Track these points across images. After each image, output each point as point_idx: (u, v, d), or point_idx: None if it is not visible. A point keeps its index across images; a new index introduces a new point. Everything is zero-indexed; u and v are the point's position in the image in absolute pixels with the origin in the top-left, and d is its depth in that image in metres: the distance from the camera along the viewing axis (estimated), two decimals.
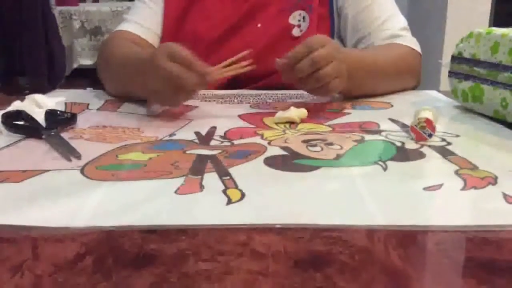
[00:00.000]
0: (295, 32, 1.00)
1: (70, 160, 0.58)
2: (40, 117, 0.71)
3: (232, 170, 0.54)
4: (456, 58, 0.81)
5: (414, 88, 0.98)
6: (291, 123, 0.74)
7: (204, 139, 0.66)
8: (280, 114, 0.75)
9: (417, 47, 0.98)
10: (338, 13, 1.02)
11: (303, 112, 0.75)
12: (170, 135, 0.68)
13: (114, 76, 0.91)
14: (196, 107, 0.85)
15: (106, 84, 0.95)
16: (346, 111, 0.81)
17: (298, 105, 0.77)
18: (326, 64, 0.74)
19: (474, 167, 0.55)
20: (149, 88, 0.74)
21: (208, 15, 1.03)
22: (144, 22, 1.03)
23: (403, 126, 0.71)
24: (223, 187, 0.50)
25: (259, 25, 1.01)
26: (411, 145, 0.63)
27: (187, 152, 0.61)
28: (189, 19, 1.04)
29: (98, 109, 0.85)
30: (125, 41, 0.97)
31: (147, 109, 0.82)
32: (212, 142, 0.65)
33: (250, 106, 0.86)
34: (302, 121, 0.75)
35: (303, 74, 0.74)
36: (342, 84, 0.78)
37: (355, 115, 0.79)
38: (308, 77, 0.75)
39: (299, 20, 1.00)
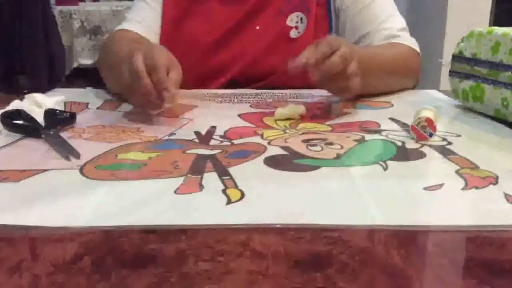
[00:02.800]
0: (293, 34, 1.00)
1: (69, 160, 0.58)
2: (39, 117, 0.71)
3: (232, 170, 0.54)
4: (457, 58, 0.81)
5: (413, 87, 0.98)
6: (291, 119, 0.75)
7: (204, 139, 0.66)
8: (280, 111, 0.75)
9: (416, 47, 0.98)
10: (336, 14, 1.02)
11: (301, 108, 0.76)
12: (170, 135, 0.68)
13: (114, 74, 0.91)
14: (196, 106, 0.85)
15: (107, 83, 0.95)
16: (346, 110, 0.81)
17: (297, 103, 0.78)
18: (351, 62, 0.74)
19: (475, 167, 0.55)
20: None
21: (207, 17, 1.03)
22: (145, 21, 1.03)
23: (404, 125, 0.71)
24: (222, 187, 0.50)
25: (257, 28, 1.02)
26: (411, 144, 0.63)
27: (187, 151, 0.61)
28: (188, 21, 1.03)
29: (97, 109, 0.84)
30: (126, 40, 0.97)
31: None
32: (212, 142, 0.65)
33: (250, 105, 0.86)
34: (302, 120, 0.75)
35: (334, 70, 0.72)
36: (360, 83, 0.77)
37: (355, 114, 0.79)
38: (336, 75, 0.73)
39: (296, 22, 1.00)
